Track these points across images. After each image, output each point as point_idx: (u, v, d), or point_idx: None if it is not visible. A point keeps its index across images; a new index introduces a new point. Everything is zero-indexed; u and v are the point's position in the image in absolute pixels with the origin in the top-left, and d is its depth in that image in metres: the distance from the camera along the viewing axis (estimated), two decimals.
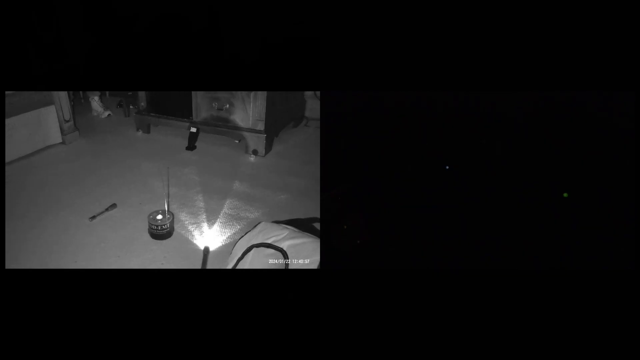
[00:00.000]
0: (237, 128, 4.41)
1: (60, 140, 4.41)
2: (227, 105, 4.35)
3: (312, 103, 5.40)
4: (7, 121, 3.70)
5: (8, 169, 3.79)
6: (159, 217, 3.00)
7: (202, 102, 4.46)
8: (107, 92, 6.10)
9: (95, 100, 5.40)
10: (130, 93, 5.57)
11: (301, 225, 2.64)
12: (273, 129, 4.55)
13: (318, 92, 5.24)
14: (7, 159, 3.83)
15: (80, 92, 5.70)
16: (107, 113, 5.42)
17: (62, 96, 4.26)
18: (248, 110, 4.28)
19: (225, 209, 3.44)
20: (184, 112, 4.62)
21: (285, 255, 2.20)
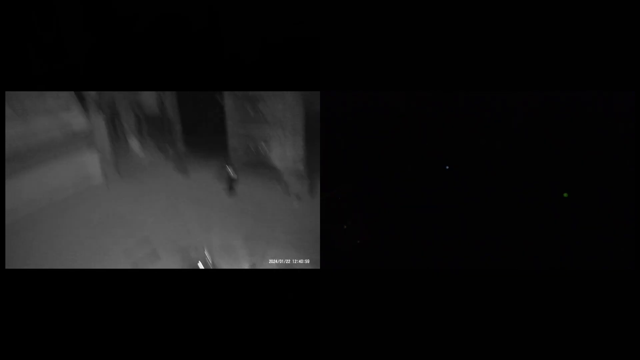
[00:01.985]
0: (276, 171, 4.37)
1: (101, 181, 4.51)
2: (264, 146, 4.28)
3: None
4: (53, 163, 3.80)
5: (49, 209, 3.82)
6: (200, 265, 3.02)
7: (238, 145, 4.44)
8: (145, 133, 6.08)
9: (134, 142, 5.44)
10: (168, 135, 5.56)
11: None
12: (314, 170, 4.46)
13: None
14: (50, 199, 3.90)
15: (121, 134, 5.69)
16: (145, 154, 5.45)
17: (104, 138, 4.35)
18: (286, 152, 4.21)
19: (266, 255, 3.47)
20: (222, 154, 4.64)
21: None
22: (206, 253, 3.13)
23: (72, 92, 3.86)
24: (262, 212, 4.26)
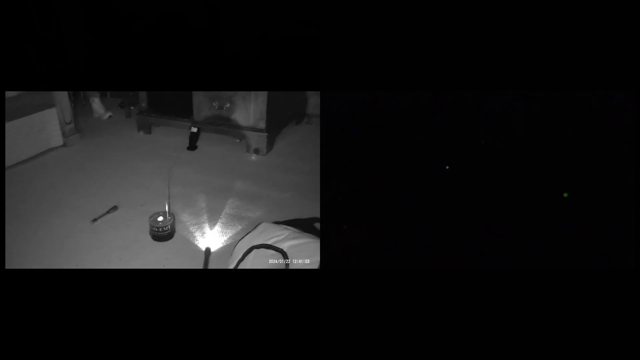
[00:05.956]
0: (238, 127, 4.44)
1: (62, 143, 4.41)
2: (228, 105, 4.37)
3: (314, 100, 5.40)
4: (8, 125, 3.70)
5: (9, 173, 3.80)
6: (160, 218, 3.01)
7: (202, 102, 4.48)
8: (108, 93, 6.10)
9: (96, 102, 5.41)
10: (131, 94, 5.60)
11: (302, 225, 2.64)
12: (274, 127, 4.57)
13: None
14: (9, 162, 3.83)
15: (82, 93, 5.71)
16: (108, 114, 5.43)
17: (63, 98, 4.26)
18: (249, 109, 4.30)
19: (227, 209, 3.46)
20: (185, 112, 4.64)
21: (285, 256, 2.20)
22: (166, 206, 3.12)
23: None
24: (221, 164, 4.38)
